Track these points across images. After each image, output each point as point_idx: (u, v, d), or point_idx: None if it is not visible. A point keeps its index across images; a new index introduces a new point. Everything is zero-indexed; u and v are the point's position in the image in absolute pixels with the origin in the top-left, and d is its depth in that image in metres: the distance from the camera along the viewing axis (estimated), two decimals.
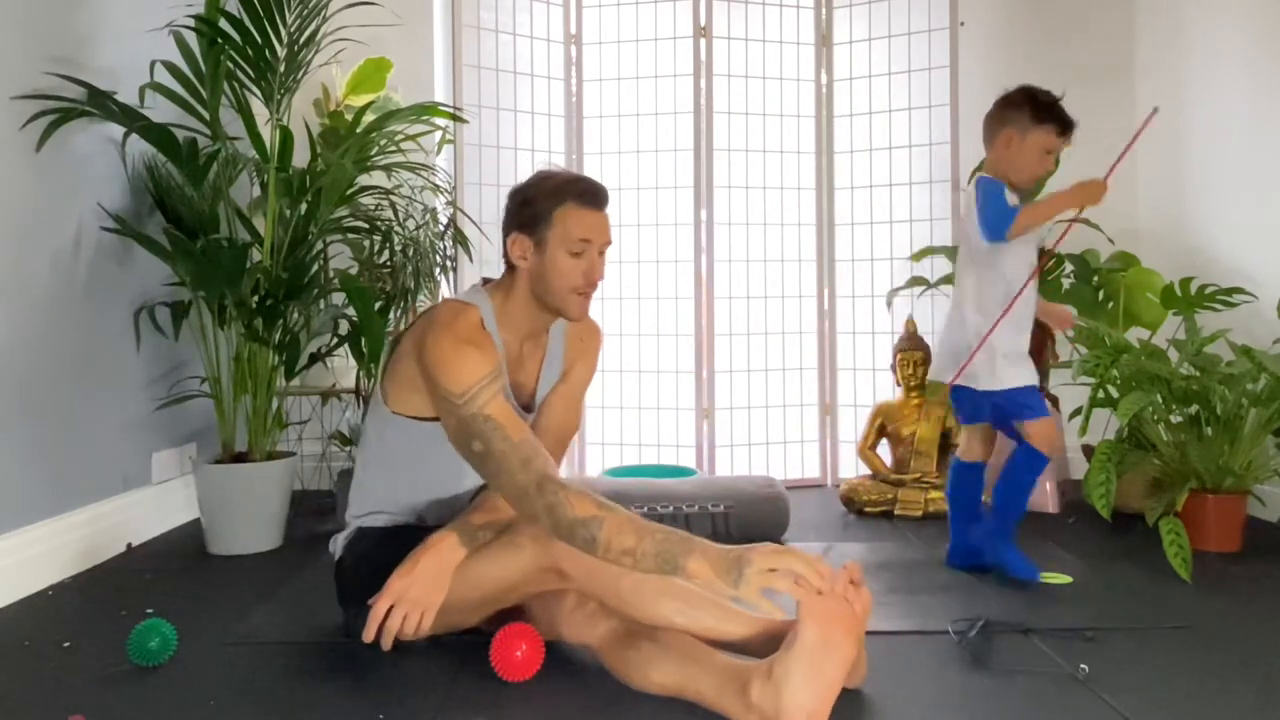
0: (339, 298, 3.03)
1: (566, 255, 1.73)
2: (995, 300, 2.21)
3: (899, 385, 3.20)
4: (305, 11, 2.62)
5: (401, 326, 2.95)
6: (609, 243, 1.78)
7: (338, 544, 1.88)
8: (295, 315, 2.75)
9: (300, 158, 2.83)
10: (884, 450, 3.20)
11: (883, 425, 3.18)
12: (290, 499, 2.70)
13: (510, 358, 1.82)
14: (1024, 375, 2.22)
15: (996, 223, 2.13)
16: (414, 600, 1.65)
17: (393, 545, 1.75)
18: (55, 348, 2.36)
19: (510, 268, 1.80)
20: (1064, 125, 2.17)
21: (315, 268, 2.92)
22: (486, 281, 1.88)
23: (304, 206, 2.73)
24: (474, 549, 1.68)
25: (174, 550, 2.61)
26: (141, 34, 2.67)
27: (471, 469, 1.69)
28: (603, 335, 2.01)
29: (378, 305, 2.81)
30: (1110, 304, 3.20)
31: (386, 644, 1.69)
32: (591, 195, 1.75)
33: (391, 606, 1.67)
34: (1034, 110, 2.17)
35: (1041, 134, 2.16)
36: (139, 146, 2.62)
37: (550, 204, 1.73)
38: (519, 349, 1.84)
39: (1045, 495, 3.04)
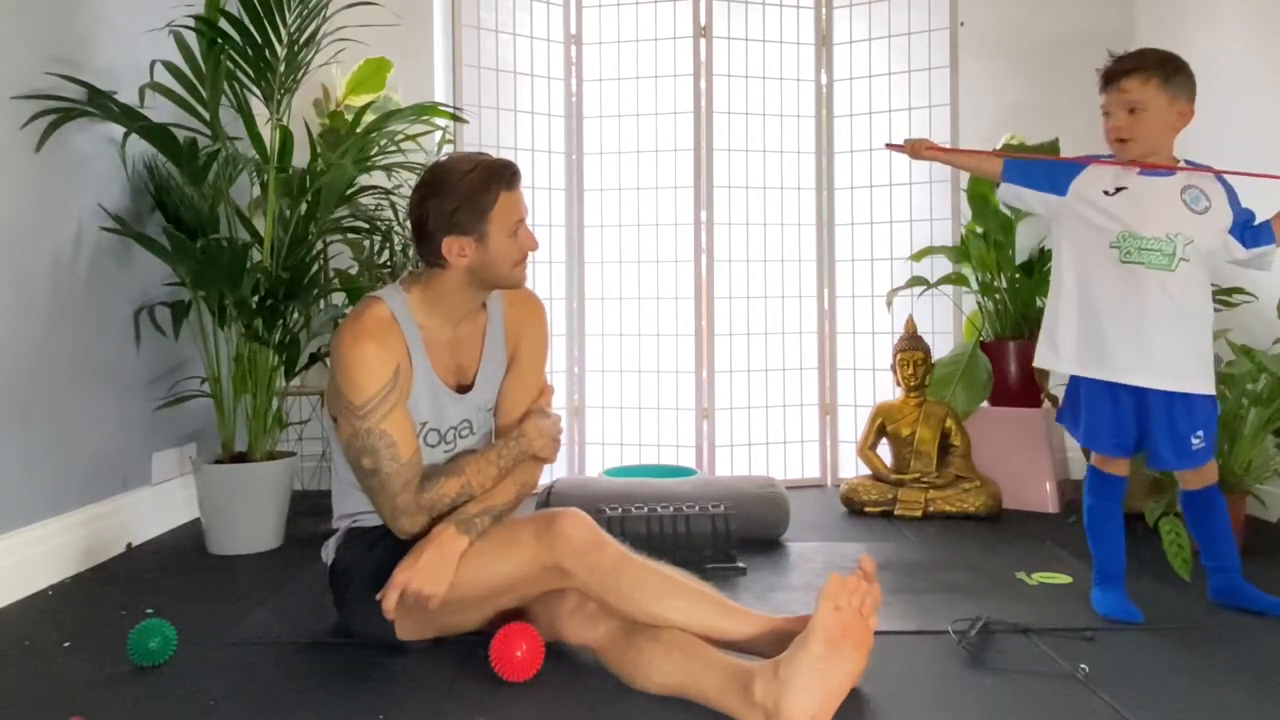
0: (339, 298, 3.03)
1: (507, 238, 1.77)
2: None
3: (899, 385, 3.20)
4: (305, 11, 2.62)
5: None
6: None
7: (329, 549, 1.88)
8: (295, 315, 2.75)
9: (300, 158, 2.84)
10: (884, 450, 3.20)
11: (883, 425, 3.18)
12: (290, 499, 2.70)
13: (442, 343, 1.83)
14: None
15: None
16: (419, 591, 1.66)
17: (384, 543, 1.76)
18: (55, 348, 2.36)
19: (432, 265, 1.80)
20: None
21: (315, 268, 2.92)
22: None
23: (304, 206, 2.73)
24: (474, 537, 1.70)
25: (174, 550, 2.61)
26: (141, 34, 2.67)
27: (420, 458, 1.76)
28: (543, 303, 2.00)
29: None
30: None
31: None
32: (513, 176, 1.79)
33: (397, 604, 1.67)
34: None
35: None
36: (139, 146, 2.62)
37: (487, 199, 1.75)
38: (453, 332, 1.85)
39: (1045, 495, 3.05)
